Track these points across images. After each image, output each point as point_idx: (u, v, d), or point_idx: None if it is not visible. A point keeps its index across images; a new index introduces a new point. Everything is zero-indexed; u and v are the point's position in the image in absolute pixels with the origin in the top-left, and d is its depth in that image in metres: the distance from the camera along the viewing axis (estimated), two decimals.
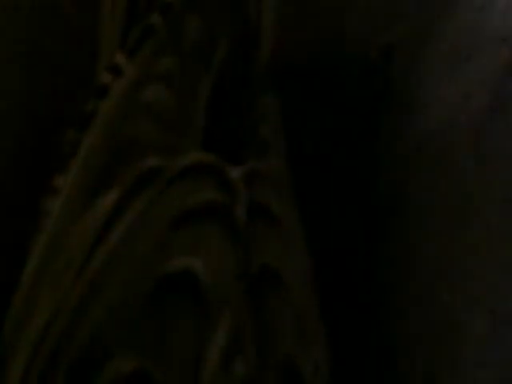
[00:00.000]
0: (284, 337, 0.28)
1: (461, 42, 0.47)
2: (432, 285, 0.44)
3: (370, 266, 0.52)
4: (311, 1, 0.57)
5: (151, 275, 0.26)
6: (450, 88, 0.47)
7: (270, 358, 0.27)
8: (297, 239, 0.35)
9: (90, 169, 0.31)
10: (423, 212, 0.47)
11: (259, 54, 0.39)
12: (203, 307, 0.26)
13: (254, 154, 0.34)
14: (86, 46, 0.53)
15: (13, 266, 0.35)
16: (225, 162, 0.31)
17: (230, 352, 0.25)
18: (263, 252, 0.30)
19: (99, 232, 0.28)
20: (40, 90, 0.51)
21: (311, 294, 0.34)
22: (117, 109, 0.33)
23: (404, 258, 0.48)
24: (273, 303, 0.29)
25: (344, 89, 0.56)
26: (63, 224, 0.31)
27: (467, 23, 0.47)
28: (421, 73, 0.51)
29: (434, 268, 0.44)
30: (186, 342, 0.25)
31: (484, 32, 0.45)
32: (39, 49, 0.52)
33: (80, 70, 0.53)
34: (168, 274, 0.27)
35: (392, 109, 0.54)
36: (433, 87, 0.50)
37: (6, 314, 0.30)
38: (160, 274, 0.26)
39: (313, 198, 0.41)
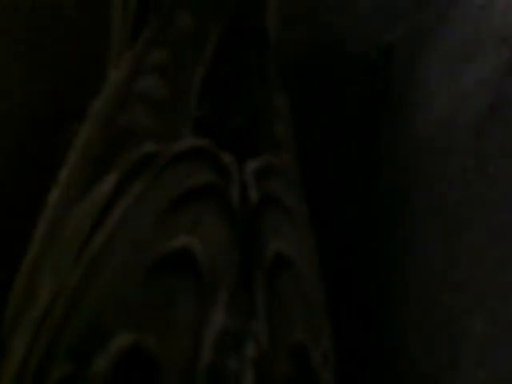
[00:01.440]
0: (295, 324, 0.29)
1: (461, 41, 0.47)
2: (432, 285, 0.44)
3: (370, 266, 0.52)
4: (311, 1, 0.57)
5: (150, 255, 0.27)
6: (450, 88, 0.47)
7: (282, 344, 0.27)
8: (307, 231, 0.36)
9: (87, 157, 0.32)
10: (423, 212, 0.47)
11: (269, 52, 0.40)
12: (201, 285, 0.27)
13: (269, 150, 0.35)
14: (85, 46, 0.53)
15: (13, 266, 0.35)
16: (218, 147, 0.32)
17: (236, 332, 0.26)
18: (277, 241, 0.31)
19: (98, 216, 0.29)
20: (40, 90, 0.51)
21: (320, 285, 0.35)
22: (111, 99, 0.34)
23: (404, 258, 0.48)
24: (285, 290, 0.30)
25: (344, 89, 0.56)
26: (62, 210, 0.31)
27: (467, 23, 0.47)
28: (421, 73, 0.51)
29: (434, 268, 0.44)
30: (185, 319, 0.26)
31: (484, 32, 0.45)
32: (39, 49, 0.52)
33: (80, 70, 0.54)
34: (166, 254, 0.27)
35: (392, 109, 0.54)
36: (433, 87, 0.50)
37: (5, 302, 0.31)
38: (158, 254, 0.27)
39: (313, 198, 0.41)
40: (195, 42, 0.36)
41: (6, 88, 0.49)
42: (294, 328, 0.29)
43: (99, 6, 0.53)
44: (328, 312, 0.34)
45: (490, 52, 0.43)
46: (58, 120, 0.51)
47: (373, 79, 0.55)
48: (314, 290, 0.33)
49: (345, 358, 0.37)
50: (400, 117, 0.53)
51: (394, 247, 0.49)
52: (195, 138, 0.32)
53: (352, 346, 0.43)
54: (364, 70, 0.56)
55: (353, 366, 0.42)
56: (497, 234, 0.38)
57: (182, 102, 0.33)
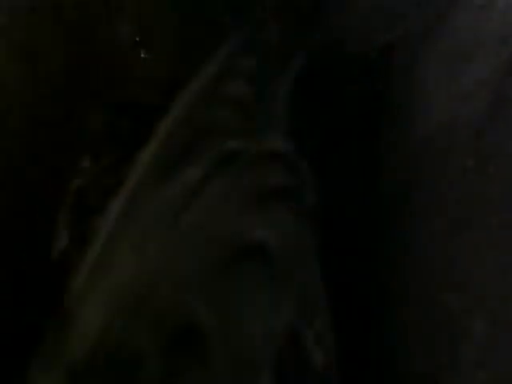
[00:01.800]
0: (286, 307, 0.30)
1: (461, 41, 0.47)
2: (432, 285, 0.44)
3: (370, 266, 0.52)
4: (311, 1, 0.57)
5: (229, 245, 0.29)
6: (450, 88, 0.47)
7: (275, 326, 0.28)
8: (307, 222, 0.37)
9: (170, 147, 0.34)
10: (423, 212, 0.47)
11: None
12: (275, 278, 0.28)
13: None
14: (85, 46, 0.53)
15: (13, 265, 0.35)
16: (297, 153, 0.34)
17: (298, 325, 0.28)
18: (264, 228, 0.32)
19: (184, 203, 0.30)
20: (40, 90, 0.51)
21: (315, 273, 0.36)
22: (198, 95, 0.36)
23: (404, 258, 0.48)
24: (279, 276, 0.31)
25: (344, 89, 0.56)
26: (141, 191, 0.33)
27: (467, 23, 0.47)
28: (421, 73, 0.51)
29: (434, 268, 0.44)
30: (257, 307, 0.27)
31: (484, 32, 0.45)
32: (39, 49, 0.52)
33: (80, 70, 0.54)
34: (245, 246, 0.29)
35: (392, 109, 0.54)
36: (432, 87, 0.50)
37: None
38: (237, 245, 0.29)
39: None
40: (282, 54, 0.38)
41: (5, 88, 0.49)
42: (284, 311, 0.30)
43: (99, 6, 0.53)
44: (325, 300, 0.35)
45: (489, 52, 0.43)
46: (58, 120, 0.51)
47: (373, 79, 0.55)
48: (305, 278, 0.34)
49: (345, 358, 0.37)
50: (400, 117, 0.53)
51: (393, 247, 0.49)
52: (279, 142, 0.34)
53: (352, 345, 0.43)
54: (364, 70, 0.56)
55: (353, 366, 0.42)
56: (497, 234, 0.38)
57: (268, 106, 0.36)
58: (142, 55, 0.51)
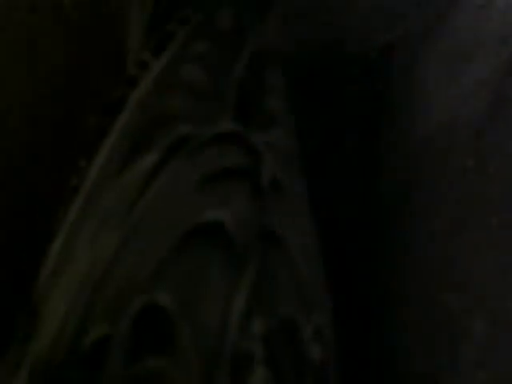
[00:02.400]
0: (283, 299, 0.30)
1: (461, 41, 0.47)
2: (432, 285, 0.44)
3: (370, 266, 0.52)
4: (311, 0, 0.57)
5: (184, 225, 0.29)
6: (450, 88, 0.47)
7: (271, 319, 0.28)
8: (304, 212, 0.37)
9: (127, 136, 0.34)
10: (423, 212, 0.47)
11: (266, 28, 0.42)
12: (232, 256, 0.28)
13: (258, 126, 0.36)
14: (86, 45, 0.53)
15: (13, 265, 0.35)
16: (252, 131, 0.34)
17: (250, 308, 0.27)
18: (270, 220, 0.32)
19: (139, 190, 0.31)
20: (40, 90, 0.51)
21: (317, 266, 0.36)
22: (154, 83, 0.37)
23: (404, 258, 0.48)
24: (274, 266, 0.31)
25: (344, 89, 0.56)
26: (100, 183, 0.33)
27: (467, 23, 0.47)
28: (421, 73, 0.51)
29: (434, 268, 0.44)
30: (214, 287, 0.27)
31: (484, 32, 0.45)
32: (39, 49, 0.52)
33: (80, 71, 0.53)
34: (199, 224, 0.29)
35: (392, 109, 0.54)
36: (433, 87, 0.50)
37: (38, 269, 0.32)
38: (192, 224, 0.29)
39: (312, 198, 0.41)
40: (235, 39, 0.38)
41: (5, 88, 0.49)
42: (281, 303, 0.30)
43: (99, 6, 0.53)
44: (326, 291, 0.35)
45: (489, 52, 0.43)
46: (58, 120, 0.51)
47: (373, 79, 0.55)
48: (306, 270, 0.34)
49: (345, 358, 0.37)
50: (400, 117, 0.53)
51: (393, 247, 0.49)
52: (231, 123, 0.34)
53: (352, 345, 0.43)
54: (364, 70, 0.56)
55: (353, 365, 0.42)
56: (497, 234, 0.38)
57: (220, 89, 0.36)
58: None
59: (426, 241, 0.46)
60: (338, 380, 0.32)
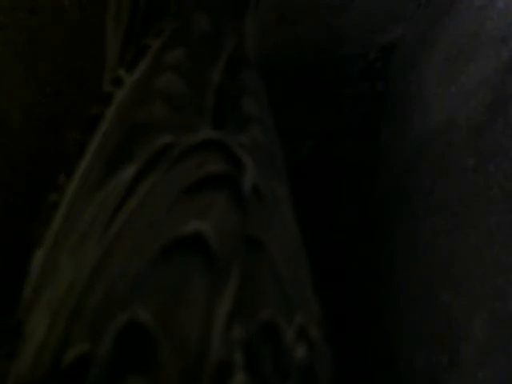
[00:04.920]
0: (264, 303, 0.29)
1: (461, 41, 0.47)
2: (432, 285, 0.44)
3: (371, 266, 0.52)
4: (311, 1, 0.57)
5: (164, 237, 0.29)
6: (450, 88, 0.47)
7: (251, 324, 0.28)
8: (285, 214, 0.36)
9: (106, 148, 0.34)
10: (423, 212, 0.47)
11: (245, 31, 0.41)
12: (212, 268, 0.28)
13: (235, 125, 0.36)
14: (86, 46, 0.53)
15: (12, 265, 0.35)
16: (234, 139, 0.34)
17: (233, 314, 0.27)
18: (252, 227, 0.32)
19: (118, 202, 0.30)
20: (40, 90, 0.51)
21: (301, 268, 0.35)
22: (130, 96, 0.36)
23: (404, 258, 0.48)
24: (255, 273, 0.30)
25: (344, 89, 0.56)
26: (81, 197, 0.33)
27: (467, 23, 0.47)
28: (421, 73, 0.51)
29: (434, 268, 0.44)
30: (195, 298, 0.27)
31: (484, 32, 0.45)
32: (39, 49, 0.52)
33: (80, 71, 0.54)
34: (179, 237, 0.29)
35: (392, 109, 0.54)
36: (433, 87, 0.50)
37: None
38: (172, 237, 0.29)
39: (312, 198, 0.41)
40: (212, 43, 0.38)
41: (5, 88, 0.49)
42: (262, 307, 0.30)
43: (99, 6, 0.53)
44: (313, 292, 0.35)
45: (490, 52, 0.43)
46: (58, 120, 0.51)
47: (372, 79, 0.56)
48: (288, 273, 0.33)
49: (345, 358, 0.37)
50: (400, 117, 0.53)
51: (394, 247, 0.49)
52: (211, 130, 0.34)
53: (352, 345, 0.43)
54: (364, 70, 0.56)
55: (353, 365, 0.42)
56: (497, 234, 0.38)
57: (199, 96, 0.35)
58: None
59: (426, 241, 0.46)
60: (331, 378, 0.32)
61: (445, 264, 0.43)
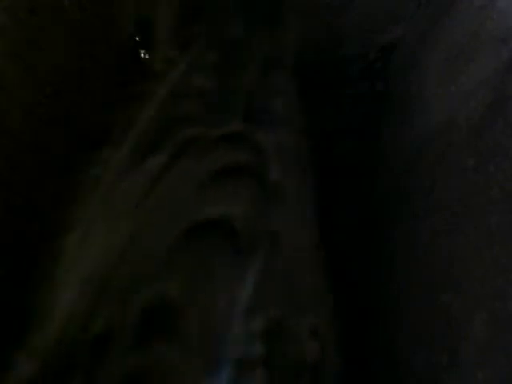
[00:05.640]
0: (279, 300, 0.31)
1: (461, 41, 0.47)
2: (432, 285, 0.44)
3: (371, 266, 0.52)
4: (311, 1, 0.57)
5: (192, 218, 0.31)
6: (450, 88, 0.47)
7: (270, 318, 0.29)
8: (305, 212, 0.38)
9: (143, 137, 0.38)
10: (423, 212, 0.47)
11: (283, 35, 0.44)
12: (238, 250, 0.29)
13: (264, 125, 0.38)
14: (86, 46, 0.53)
15: (12, 265, 0.35)
16: (262, 135, 0.37)
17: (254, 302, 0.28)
18: (273, 220, 0.33)
19: (149, 185, 0.33)
20: (40, 90, 0.51)
21: (316, 267, 0.37)
22: (168, 91, 0.40)
23: (404, 258, 0.48)
24: (272, 268, 0.31)
25: (344, 89, 0.56)
26: (117, 180, 0.37)
27: (467, 23, 0.47)
28: (421, 73, 0.51)
29: (434, 268, 0.44)
30: (220, 278, 0.28)
31: (484, 32, 0.45)
32: (39, 49, 0.52)
33: (80, 71, 0.54)
34: (207, 218, 0.31)
35: (392, 109, 0.54)
36: (433, 87, 0.50)
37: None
38: (200, 218, 0.31)
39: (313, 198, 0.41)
40: (245, 47, 0.41)
41: (6, 87, 0.49)
42: (278, 303, 0.31)
43: (99, 6, 0.53)
44: (327, 291, 0.35)
45: (489, 52, 0.43)
46: (58, 120, 0.51)
47: (372, 79, 0.56)
48: (301, 270, 0.34)
49: (345, 358, 0.37)
50: (400, 117, 0.53)
51: (394, 247, 0.49)
52: (239, 123, 0.37)
53: (352, 345, 0.43)
54: (364, 70, 0.56)
55: (353, 365, 0.42)
56: (496, 234, 0.38)
57: (231, 97, 0.38)
58: (142, 55, 0.52)
59: (426, 241, 0.46)
60: (339, 377, 0.33)
61: (445, 264, 0.43)
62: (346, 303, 0.47)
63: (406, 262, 0.48)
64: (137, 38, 0.50)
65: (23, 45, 0.51)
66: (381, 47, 0.55)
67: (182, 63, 0.41)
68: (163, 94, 0.39)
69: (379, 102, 0.55)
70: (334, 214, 0.53)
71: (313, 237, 0.38)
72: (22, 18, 0.50)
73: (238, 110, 0.38)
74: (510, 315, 0.36)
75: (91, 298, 0.29)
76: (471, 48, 0.46)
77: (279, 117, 0.40)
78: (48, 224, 0.39)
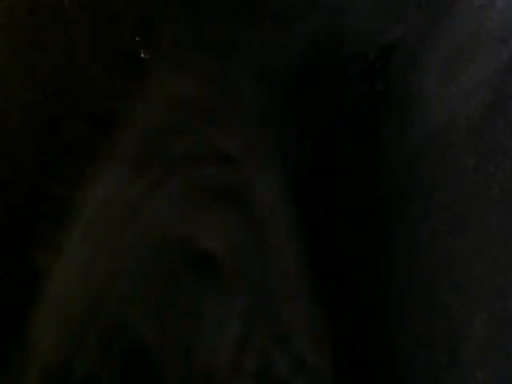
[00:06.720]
0: (262, 328, 0.30)
1: (461, 41, 0.47)
2: (432, 285, 0.44)
3: (371, 266, 0.52)
4: (311, 1, 0.57)
5: (175, 255, 0.30)
6: (450, 88, 0.47)
7: (248, 351, 0.28)
8: (286, 233, 0.37)
9: (130, 152, 0.36)
10: (423, 212, 0.47)
11: None
12: (222, 286, 0.29)
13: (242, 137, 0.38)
14: (86, 46, 0.53)
15: (12, 265, 0.35)
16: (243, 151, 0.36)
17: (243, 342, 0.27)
18: (256, 242, 0.33)
19: (131, 212, 0.32)
20: (40, 90, 0.51)
21: (299, 286, 0.36)
22: (152, 106, 0.41)
23: (404, 258, 0.48)
24: (256, 295, 0.31)
25: (344, 89, 0.56)
26: (103, 202, 0.34)
27: (467, 23, 0.47)
28: (421, 73, 0.51)
29: (434, 268, 0.44)
30: (204, 322, 0.28)
31: (484, 32, 0.45)
32: (39, 49, 0.52)
33: (80, 70, 0.54)
34: (191, 253, 0.30)
35: (392, 109, 0.54)
36: (433, 87, 0.50)
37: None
38: (183, 255, 0.30)
39: (312, 198, 0.41)
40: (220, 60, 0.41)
41: (6, 87, 0.49)
42: (258, 332, 0.30)
43: (99, 6, 0.53)
44: (314, 305, 0.35)
45: (490, 52, 0.43)
46: (58, 120, 0.51)
47: (372, 79, 0.55)
48: (290, 291, 0.34)
49: (345, 359, 0.37)
50: (400, 117, 0.53)
51: (394, 247, 0.49)
52: (226, 141, 0.36)
53: (352, 346, 0.43)
54: (364, 70, 0.56)
55: (353, 366, 0.42)
56: (496, 234, 0.38)
57: (233, 109, 0.38)
58: (142, 55, 0.52)
59: (426, 241, 0.46)
60: (339, 377, 0.32)
61: (445, 264, 0.43)
62: (346, 303, 0.47)
63: (406, 262, 0.48)
64: (137, 39, 0.50)
65: (23, 45, 0.51)
66: (381, 47, 0.55)
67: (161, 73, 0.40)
68: (146, 109, 0.39)
69: (379, 102, 0.55)
70: (333, 213, 0.53)
71: (299, 257, 0.37)
72: (21, 18, 0.50)
73: (221, 123, 0.37)
74: (510, 315, 0.36)
75: (71, 346, 0.28)
76: (471, 48, 0.46)
77: (248, 124, 0.39)
78: (48, 224, 0.39)
